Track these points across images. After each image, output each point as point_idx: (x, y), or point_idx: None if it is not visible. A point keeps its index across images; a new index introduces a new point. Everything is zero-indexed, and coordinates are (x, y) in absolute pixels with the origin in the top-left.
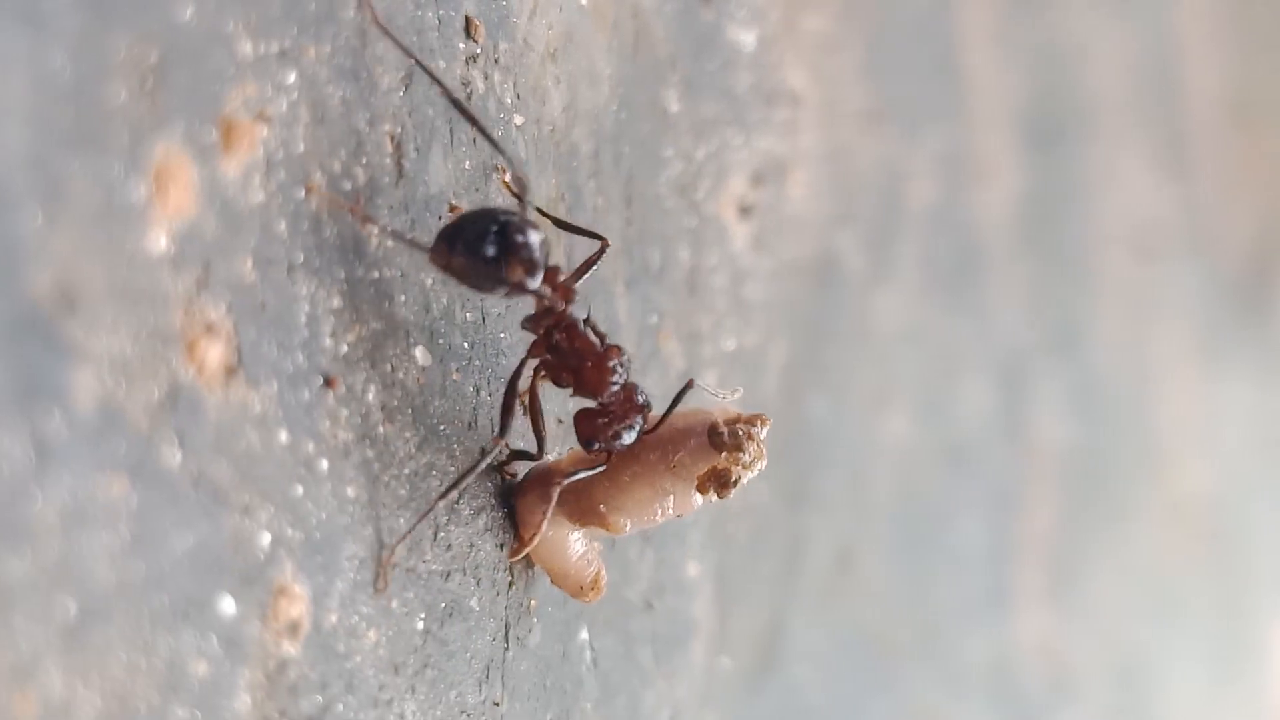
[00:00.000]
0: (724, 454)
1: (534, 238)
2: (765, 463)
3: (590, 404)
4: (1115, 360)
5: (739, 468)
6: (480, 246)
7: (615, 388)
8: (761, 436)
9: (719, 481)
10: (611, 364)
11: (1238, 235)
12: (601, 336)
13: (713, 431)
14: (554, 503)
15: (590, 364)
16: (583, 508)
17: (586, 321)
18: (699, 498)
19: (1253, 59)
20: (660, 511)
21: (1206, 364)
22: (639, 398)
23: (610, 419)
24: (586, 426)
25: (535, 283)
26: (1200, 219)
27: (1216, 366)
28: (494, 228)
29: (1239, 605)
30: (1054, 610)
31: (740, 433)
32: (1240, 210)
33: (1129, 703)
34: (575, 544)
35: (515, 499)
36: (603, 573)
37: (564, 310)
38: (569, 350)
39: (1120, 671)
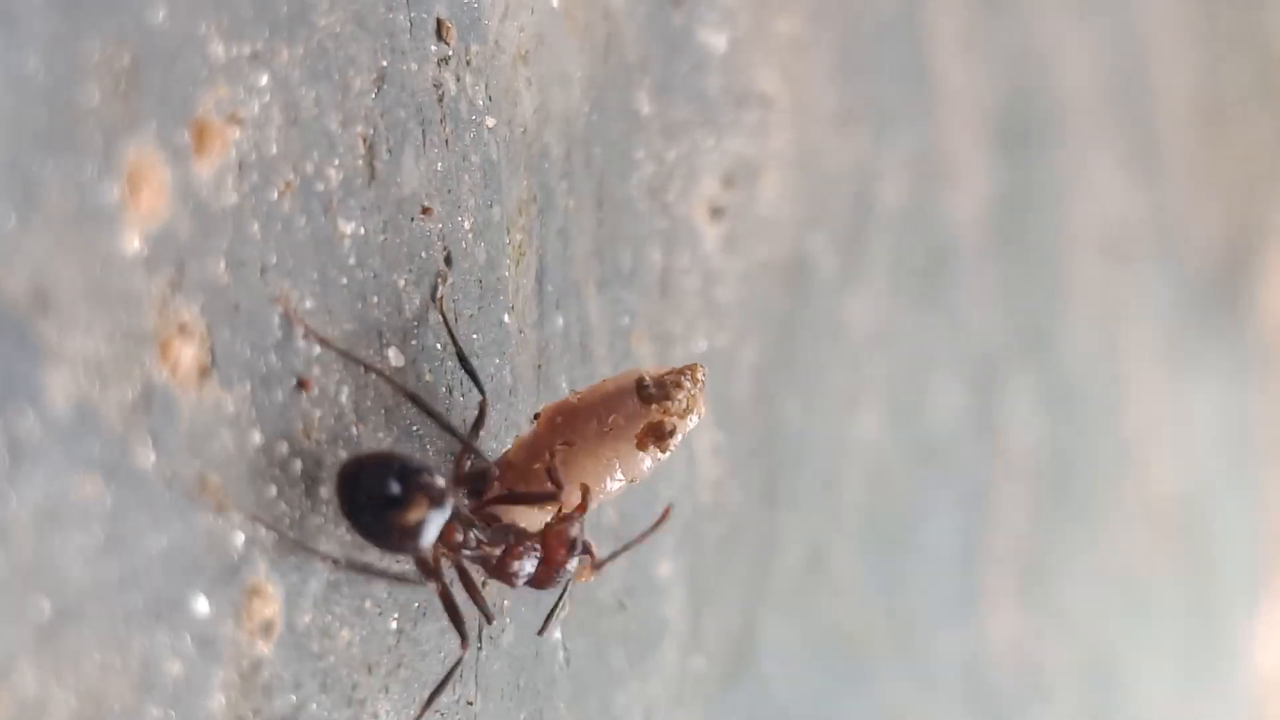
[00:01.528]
0: (654, 406)
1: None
2: (703, 410)
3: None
4: (1085, 361)
5: (673, 418)
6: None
7: (526, 578)
8: (694, 388)
9: (655, 435)
10: (521, 550)
11: (1207, 236)
12: (506, 529)
13: (640, 386)
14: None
15: (498, 562)
16: None
17: (492, 525)
18: (646, 459)
19: (1221, 60)
20: (610, 479)
21: (1176, 365)
22: (571, 537)
23: (549, 566)
24: (535, 582)
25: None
26: (1170, 220)
27: (1186, 367)
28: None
29: (1209, 604)
30: (1025, 610)
31: (667, 382)
32: (1209, 212)
33: (1100, 702)
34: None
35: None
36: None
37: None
38: (477, 553)
39: (1092, 671)
